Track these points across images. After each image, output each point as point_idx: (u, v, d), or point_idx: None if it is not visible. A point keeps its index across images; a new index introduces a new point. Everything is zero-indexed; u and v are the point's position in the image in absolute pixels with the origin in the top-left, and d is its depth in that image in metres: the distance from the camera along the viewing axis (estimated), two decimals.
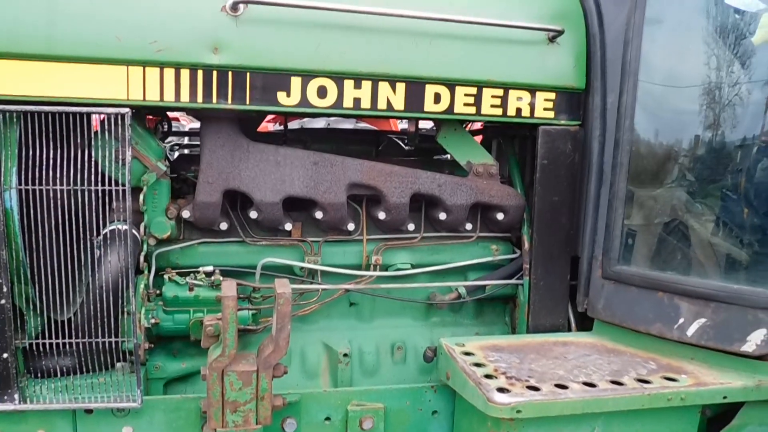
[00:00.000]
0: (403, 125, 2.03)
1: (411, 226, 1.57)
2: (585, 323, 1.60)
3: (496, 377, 1.28)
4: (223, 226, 1.45)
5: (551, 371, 1.32)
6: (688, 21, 1.46)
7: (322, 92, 1.33)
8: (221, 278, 1.43)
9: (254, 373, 1.25)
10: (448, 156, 1.66)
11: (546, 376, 1.29)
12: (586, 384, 1.26)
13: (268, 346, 1.26)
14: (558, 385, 1.24)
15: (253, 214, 1.44)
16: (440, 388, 1.48)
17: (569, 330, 1.61)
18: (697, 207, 1.44)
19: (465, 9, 1.37)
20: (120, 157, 1.26)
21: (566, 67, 1.47)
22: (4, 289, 1.21)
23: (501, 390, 1.21)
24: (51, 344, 1.28)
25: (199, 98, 1.26)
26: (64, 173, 1.22)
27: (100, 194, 1.25)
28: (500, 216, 1.57)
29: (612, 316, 1.48)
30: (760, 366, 1.31)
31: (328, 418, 1.42)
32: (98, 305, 1.29)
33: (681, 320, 1.37)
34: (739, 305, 1.31)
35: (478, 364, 1.33)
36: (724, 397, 1.29)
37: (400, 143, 1.93)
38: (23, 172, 1.20)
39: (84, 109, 1.20)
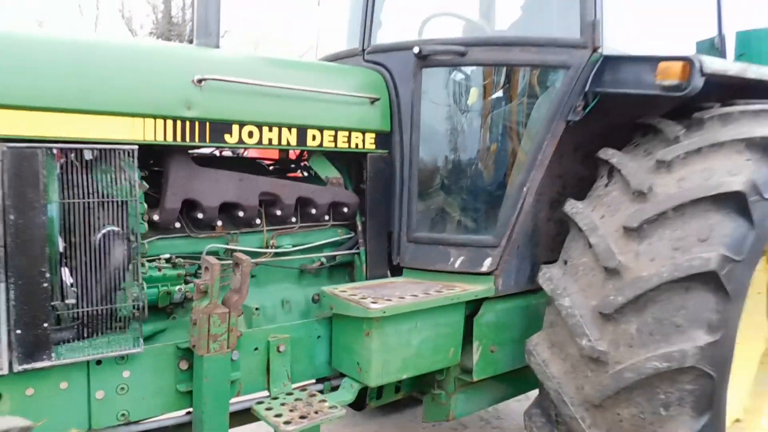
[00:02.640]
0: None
1: (293, 219, 2.39)
2: (397, 272, 2.62)
3: (365, 298, 2.20)
4: (177, 225, 2.07)
5: (392, 293, 2.29)
6: (442, 92, 2.61)
7: (250, 134, 2.09)
8: (176, 262, 2.05)
9: (227, 313, 1.94)
10: (305, 174, 2.53)
11: (391, 294, 2.26)
12: (413, 296, 2.27)
13: (233, 295, 1.97)
14: (400, 297, 2.23)
15: (199, 215, 2.10)
16: (321, 321, 2.33)
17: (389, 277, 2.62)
18: (451, 197, 2.59)
19: (329, 85, 2.29)
20: (124, 179, 1.83)
21: (381, 118, 2.48)
22: (47, 275, 1.69)
23: (373, 302, 2.15)
24: (74, 314, 1.77)
25: (179, 138, 1.91)
26: (86, 190, 1.75)
27: (108, 206, 1.81)
28: (345, 210, 2.49)
29: (414, 264, 2.54)
30: (490, 278, 2.49)
31: (256, 348, 2.16)
32: (105, 283, 1.82)
33: (451, 260, 2.49)
34: (477, 247, 2.48)
35: (352, 295, 2.24)
36: (476, 296, 2.43)
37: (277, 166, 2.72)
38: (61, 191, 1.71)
39: (107, 146, 1.76)
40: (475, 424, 3.87)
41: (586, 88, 2.41)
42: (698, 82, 2.21)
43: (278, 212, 2.30)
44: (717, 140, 2.23)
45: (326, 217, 2.48)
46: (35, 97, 1.67)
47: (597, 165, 2.48)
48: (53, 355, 1.73)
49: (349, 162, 2.55)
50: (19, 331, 1.67)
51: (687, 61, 2.21)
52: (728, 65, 2.41)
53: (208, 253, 2.13)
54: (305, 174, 2.60)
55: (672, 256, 2.04)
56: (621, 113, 2.54)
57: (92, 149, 1.74)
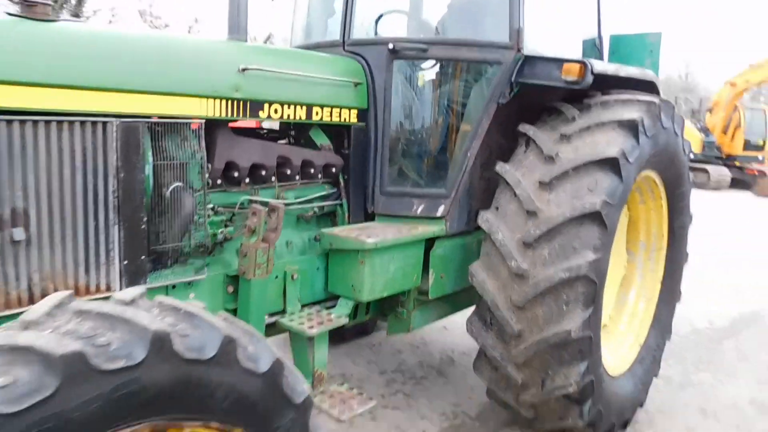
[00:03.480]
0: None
1: (296, 177, 3.03)
2: (370, 219, 3.35)
3: (359, 235, 2.93)
4: (218, 182, 2.65)
5: (375, 232, 3.02)
6: (408, 79, 3.33)
7: (275, 111, 2.70)
8: (218, 211, 2.65)
9: (267, 247, 2.59)
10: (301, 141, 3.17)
11: (375, 233, 3.00)
12: (392, 234, 3.03)
13: (271, 234, 2.61)
14: (383, 235, 2.98)
15: (234, 174, 2.68)
16: (320, 255, 3.03)
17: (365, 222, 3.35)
18: (414, 160, 3.36)
19: (327, 72, 2.94)
20: (189, 146, 2.39)
21: (361, 98, 3.16)
22: (144, 219, 2.24)
23: (367, 237, 2.88)
24: (159, 249, 2.34)
25: (228, 114, 2.49)
26: (166, 154, 2.31)
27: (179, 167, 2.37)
28: (333, 170, 3.17)
29: (386, 211, 3.28)
30: (442, 222, 3.30)
31: (277, 276, 2.82)
32: (179, 226, 2.40)
33: (414, 207, 3.26)
34: (433, 197, 3.28)
35: (348, 233, 2.96)
36: (433, 234, 3.24)
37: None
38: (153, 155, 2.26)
39: (183, 121, 2.31)
40: (449, 326, 4.83)
41: (512, 79, 3.26)
42: (589, 78, 3.14)
43: (288, 171, 2.94)
44: (600, 120, 3.19)
45: (319, 176, 3.15)
46: (135, 82, 2.20)
47: (516, 136, 3.36)
48: (148, 280, 2.31)
49: (336, 132, 3.21)
50: (126, 262, 2.22)
51: (583, 63, 3.13)
52: (608, 66, 3.37)
53: (243, 203, 2.75)
54: (301, 141, 3.21)
55: (571, 201, 2.97)
56: (531, 98, 3.42)
57: (174, 123, 2.30)
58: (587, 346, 3.00)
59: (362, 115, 3.19)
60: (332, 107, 3.00)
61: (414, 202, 3.28)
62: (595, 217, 2.93)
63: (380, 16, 3.54)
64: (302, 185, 3.08)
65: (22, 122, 1.91)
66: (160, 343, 1.36)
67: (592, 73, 3.13)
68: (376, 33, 3.52)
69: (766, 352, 5.37)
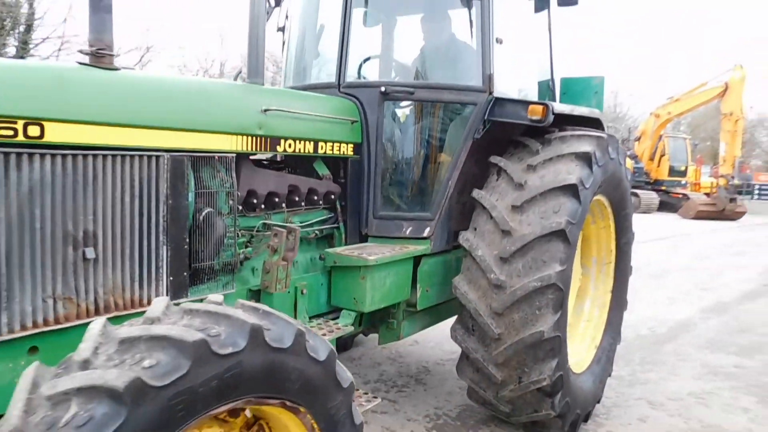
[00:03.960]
0: None
1: (302, 203, 3.40)
2: (364, 240, 3.74)
3: (361, 254, 3.32)
4: (239, 207, 2.99)
5: (372, 251, 3.43)
6: (396, 118, 3.78)
7: (289, 145, 3.09)
8: (240, 233, 2.98)
9: (287, 265, 2.94)
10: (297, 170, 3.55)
11: (373, 252, 3.40)
12: (388, 252, 3.44)
13: (289, 253, 2.96)
14: (380, 254, 3.38)
15: (253, 200, 3.03)
16: (323, 273, 3.40)
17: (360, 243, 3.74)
18: (403, 187, 3.80)
19: (331, 111, 3.35)
20: (222, 176, 2.74)
21: (356, 134, 3.59)
22: (187, 240, 2.56)
23: (368, 255, 3.28)
24: (197, 266, 2.66)
25: (252, 149, 2.86)
26: (203, 183, 2.65)
27: (212, 195, 2.71)
28: (332, 196, 3.57)
29: (378, 233, 3.69)
30: (428, 241, 3.73)
31: (289, 291, 3.16)
32: (213, 245, 2.72)
33: (403, 229, 3.70)
34: (420, 220, 3.71)
35: (350, 252, 3.35)
36: (421, 253, 3.67)
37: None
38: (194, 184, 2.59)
39: (218, 154, 2.66)
40: (420, 340, 5.20)
41: (485, 118, 3.78)
42: (551, 118, 3.69)
43: (296, 198, 3.31)
44: (560, 153, 3.73)
45: (320, 202, 3.53)
46: (181, 121, 2.54)
47: (487, 166, 3.86)
48: (189, 293, 2.62)
49: (334, 163, 3.61)
50: (171, 278, 2.53)
51: (545, 105, 3.68)
52: (564, 107, 3.94)
53: (258, 227, 3.09)
54: (306, 171, 3.58)
55: (540, 222, 3.48)
56: (496, 133, 3.93)
57: (211, 156, 2.65)
58: (558, 345, 3.48)
59: (357, 148, 3.61)
60: (334, 142, 3.41)
61: (403, 224, 3.71)
62: (560, 234, 3.44)
63: (366, 59, 4.00)
64: (306, 210, 3.46)
65: (94, 156, 2.23)
66: (255, 334, 1.72)
67: (552, 113, 3.68)
68: (363, 76, 3.97)
69: (700, 353, 6.06)
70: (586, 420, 4.18)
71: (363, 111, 3.63)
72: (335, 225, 3.64)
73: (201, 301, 2.65)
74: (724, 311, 8.02)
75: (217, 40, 36.24)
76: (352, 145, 3.56)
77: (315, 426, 2.02)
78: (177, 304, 1.86)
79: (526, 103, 3.73)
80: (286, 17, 4.36)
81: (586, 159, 3.70)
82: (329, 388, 2.02)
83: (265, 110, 2.93)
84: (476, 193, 3.70)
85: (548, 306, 3.43)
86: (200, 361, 1.58)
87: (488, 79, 3.77)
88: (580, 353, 4.32)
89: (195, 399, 1.58)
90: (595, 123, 4.35)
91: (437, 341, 5.76)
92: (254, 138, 2.89)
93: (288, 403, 1.90)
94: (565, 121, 4.01)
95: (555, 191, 3.54)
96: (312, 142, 3.25)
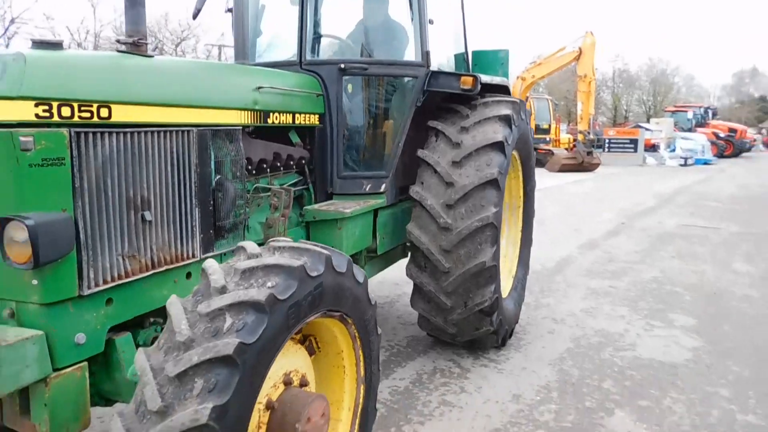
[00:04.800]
0: None
1: (281, 167, 3.87)
2: (329, 198, 4.29)
3: (336, 207, 3.89)
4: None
5: (343, 206, 4.01)
6: (353, 90, 4.33)
7: (276, 118, 3.54)
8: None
9: (285, 219, 3.44)
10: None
11: (344, 207, 3.98)
12: (356, 206, 4.03)
13: (285, 210, 3.46)
14: (352, 207, 3.97)
15: (248, 167, 3.47)
16: (301, 227, 3.93)
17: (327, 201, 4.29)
18: (361, 150, 4.37)
19: (304, 86, 3.83)
20: (231, 147, 3.16)
21: (320, 105, 4.08)
22: (211, 201, 2.99)
23: (344, 209, 3.85)
24: (220, 225, 3.10)
25: (249, 122, 3.28)
26: (216, 153, 3.07)
27: (224, 163, 3.14)
28: (303, 161, 4.06)
29: (342, 191, 4.25)
30: (383, 196, 4.38)
31: None
32: (227, 206, 3.16)
33: (363, 186, 4.30)
34: (377, 178, 4.33)
35: (326, 208, 3.90)
36: (379, 206, 4.30)
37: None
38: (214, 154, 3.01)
39: (229, 128, 3.09)
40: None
41: (424, 88, 4.45)
42: (479, 87, 4.44)
43: (277, 163, 3.79)
44: (486, 116, 4.51)
45: (294, 167, 4.02)
46: (203, 100, 2.94)
47: (426, 129, 4.56)
48: (214, 248, 3.06)
49: (303, 132, 4.10)
50: (202, 235, 2.97)
51: (474, 76, 4.42)
52: (487, 78, 4.71)
53: (251, 190, 3.55)
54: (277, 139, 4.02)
55: (476, 173, 4.25)
56: (429, 101, 4.62)
57: (223, 129, 3.07)
58: (495, 272, 4.32)
59: (321, 118, 4.12)
60: (305, 113, 3.91)
61: (363, 182, 4.31)
62: (493, 182, 4.24)
63: (318, 37, 4.48)
64: (284, 174, 3.95)
65: (146, 133, 2.60)
66: (328, 261, 2.29)
67: (480, 83, 4.44)
68: (318, 54, 4.46)
69: (582, 279, 7.35)
70: (510, 336, 5.14)
71: (324, 85, 4.14)
72: (305, 186, 4.16)
73: (229, 253, 3.18)
74: (595, 246, 9.55)
75: (89, 8, 33.38)
76: (317, 116, 4.07)
77: (357, 334, 2.64)
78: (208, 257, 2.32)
79: (458, 75, 4.45)
80: None
81: (507, 121, 4.52)
82: (365, 303, 2.64)
83: (259, 88, 3.37)
84: (421, 153, 4.39)
85: (487, 241, 4.24)
86: (302, 281, 2.13)
87: (426, 55, 4.44)
88: (502, 283, 5.24)
89: (299, 310, 2.13)
90: (504, 90, 5.19)
91: (371, 288, 6.46)
92: (253, 112, 3.33)
93: (344, 315, 2.49)
94: (484, 89, 4.79)
95: (486, 148, 4.33)
96: (291, 114, 3.73)
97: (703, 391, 4.30)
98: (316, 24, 4.53)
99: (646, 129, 29.28)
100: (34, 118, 2.15)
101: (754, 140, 42.09)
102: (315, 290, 2.21)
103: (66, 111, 2.24)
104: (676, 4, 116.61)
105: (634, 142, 27.21)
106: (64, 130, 2.23)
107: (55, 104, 2.20)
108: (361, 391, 2.77)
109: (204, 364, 1.81)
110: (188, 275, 2.93)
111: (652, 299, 6.59)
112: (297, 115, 3.82)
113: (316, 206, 3.98)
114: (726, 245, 9.71)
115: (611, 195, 16.75)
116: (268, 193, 3.56)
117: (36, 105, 2.15)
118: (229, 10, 4.71)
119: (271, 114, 3.52)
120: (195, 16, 4.91)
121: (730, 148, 34.48)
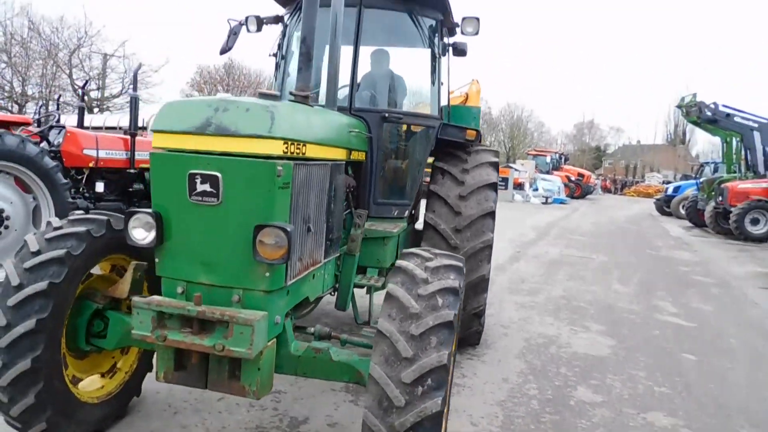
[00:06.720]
0: None
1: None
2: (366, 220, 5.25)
3: (383, 227, 4.88)
4: None
5: (386, 226, 5.00)
6: (390, 135, 5.36)
7: (351, 154, 4.49)
8: None
9: (361, 235, 4.38)
10: None
11: (388, 227, 4.98)
12: (394, 227, 5.05)
13: (363, 228, 4.39)
14: (392, 228, 4.98)
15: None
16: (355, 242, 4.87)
17: None
18: (392, 183, 5.40)
19: (355, 127, 4.81)
20: (342, 177, 4.07)
21: (365, 144, 5.07)
22: (331, 222, 3.87)
23: (392, 228, 4.86)
24: (332, 237, 3.98)
25: (347, 158, 4.22)
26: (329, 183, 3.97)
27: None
28: (352, 189, 5.00)
29: (377, 215, 5.24)
30: (405, 219, 5.43)
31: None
32: (338, 222, 4.05)
33: (392, 212, 5.32)
34: (402, 206, 5.38)
35: (375, 227, 4.88)
36: (403, 228, 5.35)
37: None
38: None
39: (340, 162, 4.00)
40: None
41: (437, 136, 5.63)
42: (479, 138, 5.72)
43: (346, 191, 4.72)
44: (480, 162, 5.79)
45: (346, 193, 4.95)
46: (335, 140, 3.85)
47: (434, 169, 5.73)
48: (331, 254, 3.95)
49: (354, 165, 5.04)
50: (327, 243, 3.85)
51: (476, 130, 5.69)
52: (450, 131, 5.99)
53: None
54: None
55: (478, 206, 5.48)
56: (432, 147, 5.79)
57: (340, 163, 3.99)
58: (487, 283, 5.56)
59: (366, 154, 5.12)
60: (358, 150, 4.88)
61: (393, 208, 5.35)
62: (491, 214, 5.50)
63: (357, 86, 5.49)
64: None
65: (312, 165, 3.48)
66: (462, 263, 3.35)
67: (480, 135, 5.72)
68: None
69: (508, 296, 8.87)
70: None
71: (368, 128, 5.14)
72: (349, 210, 5.10)
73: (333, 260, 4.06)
74: (505, 270, 11.23)
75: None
76: (363, 153, 5.05)
77: None
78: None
79: (463, 128, 5.70)
80: (279, 46, 5.55)
81: (495, 166, 5.84)
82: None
83: (350, 132, 4.32)
84: (433, 187, 5.54)
85: (485, 259, 5.47)
86: (462, 274, 3.18)
87: (441, 111, 5.63)
88: None
89: (458, 295, 3.17)
90: (481, 140, 6.53)
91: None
92: (347, 150, 4.27)
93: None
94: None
95: (484, 186, 5.59)
96: (355, 151, 4.70)
97: (627, 374, 5.84)
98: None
99: (515, 169, 32.82)
100: (281, 153, 3.00)
101: (596, 184, 48.59)
102: (461, 282, 3.26)
103: (293, 148, 3.11)
104: (535, 54, 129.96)
105: (505, 180, 30.44)
106: (291, 162, 3.09)
107: (289, 143, 3.07)
108: None
109: (436, 327, 2.79)
110: (313, 276, 3.79)
111: (567, 311, 8.25)
112: (353, 152, 4.80)
113: (367, 225, 4.95)
114: (602, 270, 11.91)
115: (496, 227, 18.94)
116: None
117: (284, 143, 3.00)
118: (273, 55, 5.56)
119: (352, 152, 4.48)
120: (223, 53, 5.68)
121: (578, 190, 39.60)
